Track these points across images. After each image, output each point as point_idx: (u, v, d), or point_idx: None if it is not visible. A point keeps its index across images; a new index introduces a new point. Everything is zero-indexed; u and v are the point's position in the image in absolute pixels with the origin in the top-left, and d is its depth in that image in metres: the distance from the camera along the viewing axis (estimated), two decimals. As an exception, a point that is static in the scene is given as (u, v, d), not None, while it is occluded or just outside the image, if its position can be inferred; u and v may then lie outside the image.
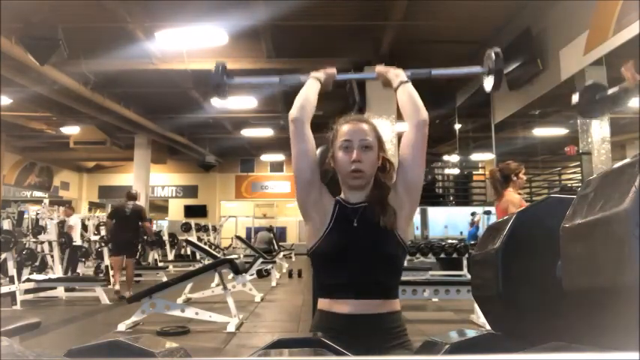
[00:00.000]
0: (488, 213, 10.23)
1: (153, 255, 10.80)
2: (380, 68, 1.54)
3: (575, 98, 4.23)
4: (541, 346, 0.62)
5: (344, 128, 1.38)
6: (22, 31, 6.02)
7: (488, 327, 1.06)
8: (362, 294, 1.28)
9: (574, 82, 6.84)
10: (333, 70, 1.55)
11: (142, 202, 13.59)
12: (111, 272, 7.49)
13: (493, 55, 1.59)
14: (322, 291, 1.34)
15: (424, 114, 1.39)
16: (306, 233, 1.40)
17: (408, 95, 1.42)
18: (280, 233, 18.09)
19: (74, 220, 8.65)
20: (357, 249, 1.30)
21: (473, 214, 11.81)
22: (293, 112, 1.39)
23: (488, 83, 1.61)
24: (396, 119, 7.84)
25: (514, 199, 3.61)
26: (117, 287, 6.82)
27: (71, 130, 12.62)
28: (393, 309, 1.31)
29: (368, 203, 1.35)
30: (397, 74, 1.48)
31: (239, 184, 19.45)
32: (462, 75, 1.81)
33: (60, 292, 6.72)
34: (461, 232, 12.66)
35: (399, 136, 1.52)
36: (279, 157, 18.19)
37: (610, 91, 3.87)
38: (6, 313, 5.32)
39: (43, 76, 7.86)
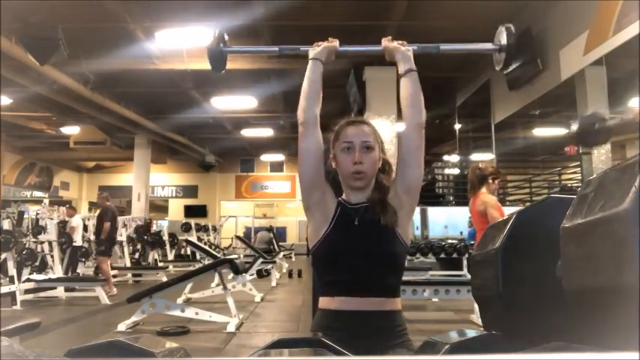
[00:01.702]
0: None
1: (153, 255, 10.80)
2: (387, 44, 1.47)
3: (575, 127, 4.24)
4: (541, 346, 0.62)
5: (345, 130, 1.39)
6: (22, 31, 6.02)
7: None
8: (363, 292, 1.28)
9: (574, 82, 6.85)
10: (334, 44, 1.49)
11: (142, 202, 13.65)
12: (109, 273, 7.51)
13: (504, 30, 1.52)
14: (323, 289, 1.35)
15: (424, 116, 1.39)
16: (308, 232, 1.41)
17: (413, 88, 1.40)
18: (280, 233, 18.09)
19: (76, 221, 8.65)
20: (358, 247, 1.31)
21: None
22: (300, 115, 1.39)
23: (498, 60, 1.55)
24: (396, 119, 7.84)
25: (491, 200, 3.66)
26: (115, 291, 6.96)
27: (71, 130, 12.63)
28: (393, 307, 1.31)
29: (369, 203, 1.36)
30: (405, 57, 1.43)
31: (239, 184, 19.45)
32: (471, 51, 1.73)
33: (60, 292, 6.72)
34: (461, 232, 12.64)
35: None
36: (279, 157, 18.20)
37: (611, 122, 3.86)
38: (6, 313, 5.32)
39: (43, 76, 7.86)
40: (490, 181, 3.76)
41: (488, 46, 1.57)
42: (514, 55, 1.51)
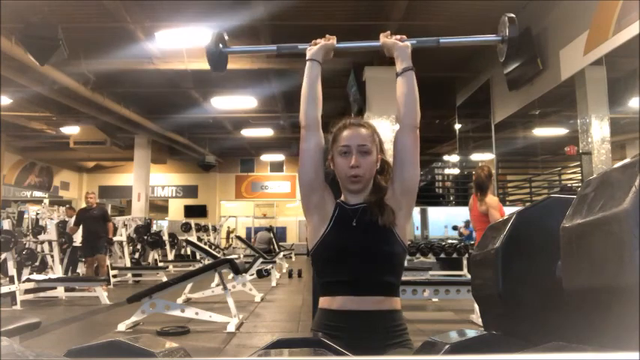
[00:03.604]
0: None
1: (153, 255, 10.80)
2: (385, 39, 1.46)
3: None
4: (541, 346, 0.62)
5: (343, 133, 1.40)
6: (22, 31, 6.02)
7: (487, 327, 1.06)
8: (362, 291, 1.29)
9: (574, 82, 6.85)
10: (331, 42, 1.47)
11: (142, 202, 13.66)
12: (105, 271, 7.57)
13: (507, 21, 1.48)
14: (323, 289, 1.36)
15: (418, 117, 1.39)
16: (307, 233, 1.43)
17: (408, 88, 1.39)
18: (280, 233, 18.09)
19: (76, 222, 8.65)
20: (357, 248, 1.32)
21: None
22: (302, 118, 1.40)
23: (502, 51, 1.51)
24: (396, 119, 7.83)
25: (494, 202, 3.68)
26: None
27: (71, 130, 12.62)
28: (393, 307, 1.32)
29: (367, 204, 1.37)
30: (403, 54, 1.42)
31: (239, 184, 19.45)
32: (473, 43, 1.68)
33: (60, 292, 6.72)
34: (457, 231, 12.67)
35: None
36: (279, 157, 18.20)
37: None
38: (6, 313, 5.32)
39: (43, 76, 7.86)
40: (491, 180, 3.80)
41: (491, 37, 1.54)
42: (518, 45, 1.48)
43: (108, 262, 7.80)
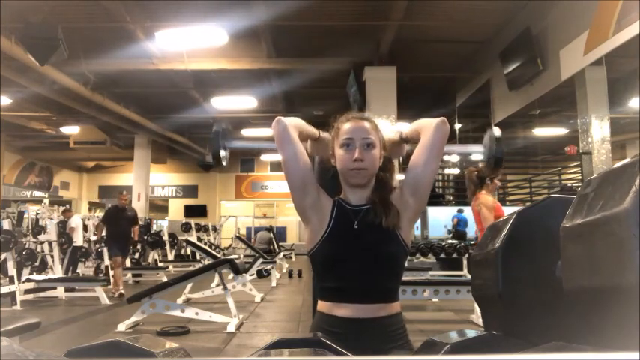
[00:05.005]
0: (460, 212, 11.22)
1: (153, 255, 10.80)
2: (391, 141, 1.44)
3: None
4: (541, 346, 0.62)
5: (345, 126, 1.34)
6: (22, 31, 6.02)
7: (487, 327, 1.06)
8: (362, 298, 1.26)
9: (574, 82, 6.85)
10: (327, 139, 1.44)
11: (142, 202, 13.66)
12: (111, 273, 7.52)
13: (495, 134, 1.47)
14: (322, 293, 1.32)
15: (437, 119, 1.33)
16: (305, 235, 1.37)
17: (415, 128, 1.37)
18: (280, 233, 18.08)
19: (76, 222, 8.65)
20: (358, 251, 1.27)
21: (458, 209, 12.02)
22: (281, 118, 1.35)
23: (489, 163, 1.52)
24: (396, 119, 7.84)
25: (487, 201, 3.71)
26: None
27: (71, 130, 12.62)
28: (393, 311, 1.29)
29: (370, 205, 1.32)
30: (408, 133, 1.41)
31: (239, 184, 19.45)
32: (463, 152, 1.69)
33: (60, 292, 6.72)
34: (449, 231, 12.73)
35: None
36: (279, 157, 17.91)
37: None
38: (6, 313, 5.32)
39: (43, 76, 7.86)
40: (489, 182, 3.81)
41: (479, 148, 1.54)
42: (501, 164, 1.48)
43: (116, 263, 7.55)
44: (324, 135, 1.43)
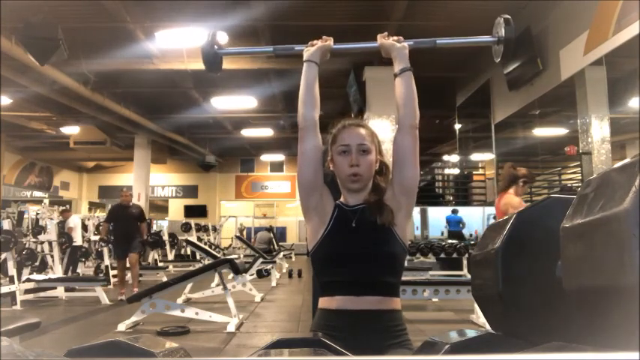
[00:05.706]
0: (455, 212, 11.54)
1: (153, 255, 10.80)
2: (383, 40, 1.46)
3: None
4: (541, 346, 0.62)
5: (342, 133, 1.41)
6: (22, 31, 6.02)
7: (488, 327, 1.06)
8: (362, 291, 1.29)
9: (574, 82, 6.84)
10: (328, 43, 1.47)
11: (142, 202, 13.65)
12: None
13: (502, 22, 1.49)
14: (323, 289, 1.36)
15: (417, 116, 1.39)
16: (307, 234, 1.43)
17: (407, 88, 1.39)
18: (280, 233, 18.09)
19: (74, 222, 8.65)
20: (356, 248, 1.32)
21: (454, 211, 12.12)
22: (300, 121, 1.41)
23: (497, 52, 1.52)
24: (396, 119, 7.84)
25: (514, 202, 3.70)
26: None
27: (71, 130, 12.62)
28: (392, 307, 1.32)
29: (366, 205, 1.38)
30: (401, 55, 1.42)
31: (239, 184, 19.45)
32: (470, 44, 1.69)
33: (60, 292, 6.72)
34: (442, 233, 12.78)
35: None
36: (279, 157, 18.20)
37: None
38: (6, 313, 5.32)
39: (43, 76, 7.86)
40: (520, 183, 3.82)
41: (487, 38, 1.54)
42: (513, 46, 1.48)
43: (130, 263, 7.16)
44: (314, 53, 1.45)
